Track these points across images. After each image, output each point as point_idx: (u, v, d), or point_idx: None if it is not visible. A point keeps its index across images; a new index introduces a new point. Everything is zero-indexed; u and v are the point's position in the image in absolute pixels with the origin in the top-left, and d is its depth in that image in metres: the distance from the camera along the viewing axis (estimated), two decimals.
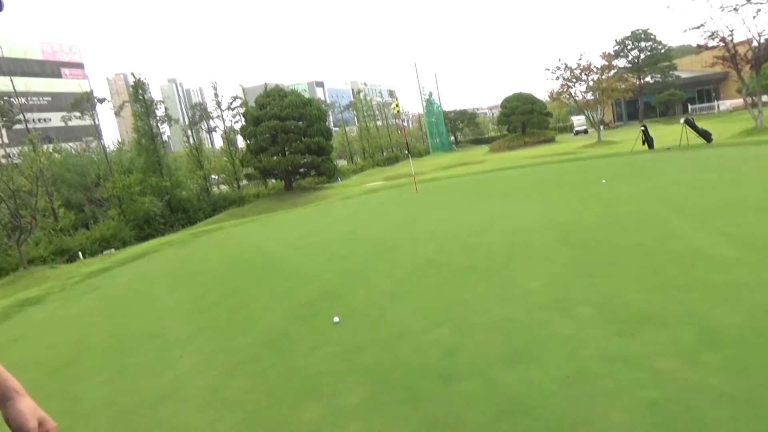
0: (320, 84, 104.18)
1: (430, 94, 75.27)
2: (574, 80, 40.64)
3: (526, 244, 7.60)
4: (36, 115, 44.71)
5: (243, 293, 7.67)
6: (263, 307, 6.66)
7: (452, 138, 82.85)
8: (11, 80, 33.95)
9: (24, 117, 36.08)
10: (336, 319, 5.46)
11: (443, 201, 14.77)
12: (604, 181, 13.02)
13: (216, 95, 42.49)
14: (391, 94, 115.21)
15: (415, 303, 5.72)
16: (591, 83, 40.47)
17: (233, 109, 44.39)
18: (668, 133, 25.71)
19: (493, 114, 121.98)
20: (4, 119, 41.57)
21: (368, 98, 78.64)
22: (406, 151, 27.12)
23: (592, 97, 41.61)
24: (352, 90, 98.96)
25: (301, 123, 34.53)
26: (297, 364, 4.61)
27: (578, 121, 58.77)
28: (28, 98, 42.83)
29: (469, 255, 7.50)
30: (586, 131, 55.64)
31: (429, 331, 4.79)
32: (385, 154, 68.39)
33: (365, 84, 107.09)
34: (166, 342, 5.96)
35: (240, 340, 5.50)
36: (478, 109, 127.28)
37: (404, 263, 7.68)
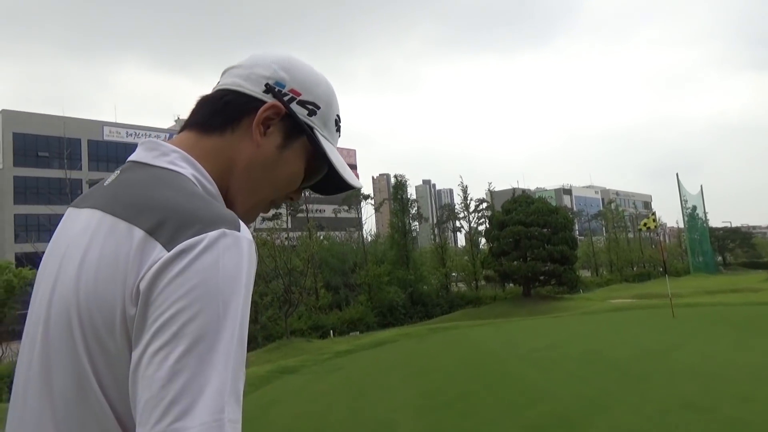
0: (568, 191, 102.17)
1: (694, 208, 67.70)
2: None
3: None
4: (314, 206, 52.65)
5: (473, 399, 7.57)
6: (492, 419, 6.46)
7: (719, 258, 72.41)
8: None
9: (306, 208, 42.87)
10: None
11: (707, 332, 12.77)
12: None
13: (465, 198, 44.74)
14: (646, 205, 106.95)
15: None
16: None
17: (479, 212, 46.09)
18: None
19: None
20: (290, 208, 49.81)
21: (620, 208, 74.29)
22: (662, 269, 24.50)
23: None
24: (602, 199, 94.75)
25: (545, 230, 34.04)
26: None
27: None
28: (310, 192, 50.80)
29: (742, 404, 6.26)
30: None
31: None
32: (635, 269, 62.78)
33: (617, 193, 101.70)
34: None
35: None
36: (753, 228, 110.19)
37: (655, 400, 6.75)
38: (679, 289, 31.08)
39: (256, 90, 0.90)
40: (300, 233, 36.29)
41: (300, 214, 46.47)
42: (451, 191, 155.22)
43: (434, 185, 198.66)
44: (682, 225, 70.41)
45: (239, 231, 0.74)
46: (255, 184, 0.92)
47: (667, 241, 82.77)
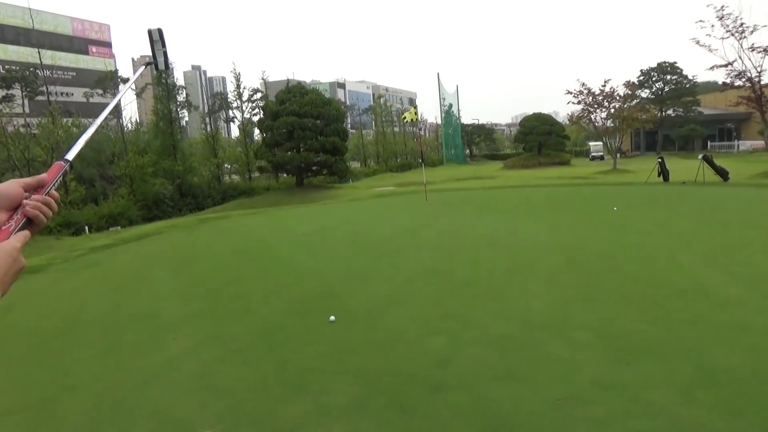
0: (342, 85, 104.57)
1: (450, 106, 75.30)
2: (596, 106, 40.49)
3: (530, 263, 7.54)
4: (59, 89, 45.10)
5: (242, 283, 7.66)
6: (261, 299, 6.64)
7: (467, 151, 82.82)
8: (39, 52, 34.28)
9: (47, 89, 36.39)
10: (332, 317, 5.43)
11: (452, 212, 14.72)
12: (615, 208, 12.93)
13: (238, 86, 42.70)
14: (412, 102, 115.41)
15: (412, 310, 5.68)
16: (612, 110, 40.29)
17: (253, 102, 44.63)
18: (685, 167, 25.51)
19: (510, 131, 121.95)
20: (28, 90, 41.95)
21: (388, 104, 78.85)
22: (420, 160, 27.08)
23: (612, 125, 41.40)
24: (373, 94, 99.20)
25: (318, 122, 34.63)
26: (288, 358, 4.58)
27: (595, 146, 58.43)
28: (53, 71, 43.28)
29: (471, 268, 7.45)
30: (602, 158, 55.34)
31: (423, 340, 4.75)
32: (398, 160, 68.42)
33: (386, 89, 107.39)
34: (160, 323, 5.95)
35: (234, 329, 5.48)
36: (495, 125, 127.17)
37: (406, 270, 7.65)
38: (433, 178, 34.92)
39: None
40: (41, 119, 31.13)
41: (40, 97, 39.53)
42: (223, 79, 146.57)
43: (205, 72, 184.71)
44: (440, 121, 78.00)
45: None
46: None
47: (427, 135, 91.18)
